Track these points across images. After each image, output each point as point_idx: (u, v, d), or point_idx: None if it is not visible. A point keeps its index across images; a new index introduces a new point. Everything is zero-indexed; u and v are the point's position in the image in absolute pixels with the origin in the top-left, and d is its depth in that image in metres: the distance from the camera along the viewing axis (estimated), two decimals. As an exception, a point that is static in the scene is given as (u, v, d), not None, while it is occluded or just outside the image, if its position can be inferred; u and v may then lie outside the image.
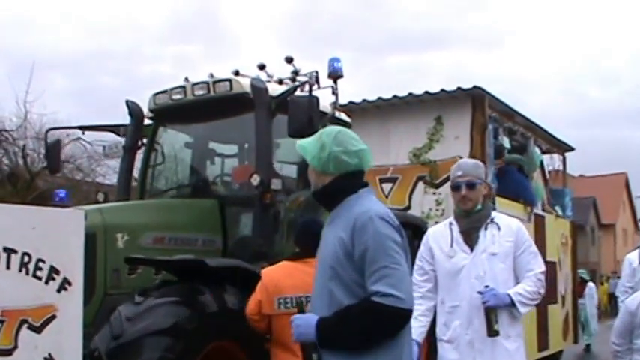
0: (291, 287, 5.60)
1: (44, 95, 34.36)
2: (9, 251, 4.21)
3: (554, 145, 15.23)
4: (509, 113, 12.62)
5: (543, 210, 13.69)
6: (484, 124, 11.46)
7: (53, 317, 4.33)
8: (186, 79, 8.14)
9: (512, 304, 5.53)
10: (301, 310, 4.11)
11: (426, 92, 11.75)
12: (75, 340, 4.45)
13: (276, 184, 7.35)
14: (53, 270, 4.34)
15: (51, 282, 4.34)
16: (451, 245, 5.78)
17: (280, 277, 5.73)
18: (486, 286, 5.53)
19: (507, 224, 5.80)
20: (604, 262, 59.86)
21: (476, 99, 11.59)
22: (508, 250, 5.69)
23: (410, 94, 11.86)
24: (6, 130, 28.51)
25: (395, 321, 3.82)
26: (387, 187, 11.84)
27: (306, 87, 7.59)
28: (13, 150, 28.88)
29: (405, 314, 3.82)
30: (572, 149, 15.92)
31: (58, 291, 4.37)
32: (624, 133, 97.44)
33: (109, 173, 27.91)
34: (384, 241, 3.82)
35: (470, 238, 5.76)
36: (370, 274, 3.77)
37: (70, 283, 4.41)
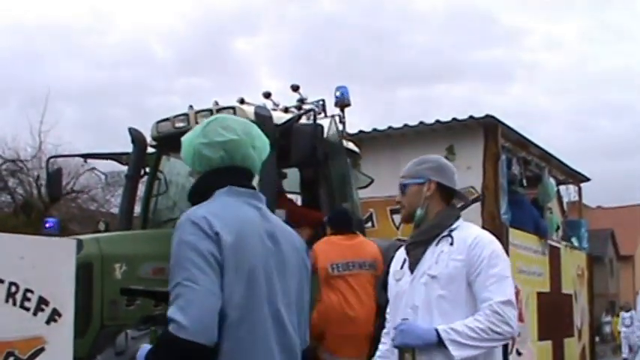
0: (338, 256, 7.38)
1: (58, 126, 34.69)
2: (-5, 281, 4.09)
3: (569, 176, 15.04)
4: (523, 143, 12.44)
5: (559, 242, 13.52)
6: (497, 154, 11.29)
7: (42, 350, 4.18)
8: (191, 107, 8.07)
9: (441, 343, 4.09)
10: None
11: (437, 121, 11.62)
12: (64, 373, 4.31)
13: (279, 214, 7.22)
14: (42, 301, 4.20)
15: (39, 313, 4.20)
16: (401, 266, 4.55)
17: (328, 248, 7.37)
18: (405, 319, 4.31)
19: (463, 237, 4.32)
20: (623, 293, 59.41)
21: (488, 128, 11.42)
22: (454, 273, 4.24)
23: (421, 122, 11.74)
24: (20, 160, 28.71)
25: (172, 355, 2.98)
26: (397, 218, 11.68)
27: (311, 115, 7.53)
28: (27, 180, 29.07)
29: (188, 347, 2.91)
30: (587, 179, 15.72)
31: (47, 322, 4.23)
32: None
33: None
34: (183, 252, 3.04)
35: (414, 255, 4.46)
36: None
37: (59, 315, 4.27)
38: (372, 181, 9.13)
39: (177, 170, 8.69)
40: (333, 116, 7.87)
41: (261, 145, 3.47)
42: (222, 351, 3.03)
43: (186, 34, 52.41)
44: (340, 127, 7.89)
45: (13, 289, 4.14)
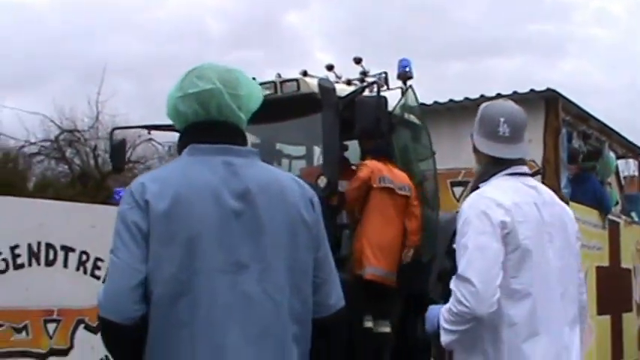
0: (386, 171, 7.49)
1: (113, 99, 35.02)
2: (67, 250, 4.17)
3: (629, 150, 14.85)
4: (583, 116, 12.30)
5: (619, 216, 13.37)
6: (558, 128, 11.16)
7: (112, 318, 4.26)
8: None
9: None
10: None
11: (499, 94, 11.50)
12: (134, 341, 4.37)
13: (343, 185, 7.24)
14: (113, 269, 4.27)
15: (110, 282, 4.27)
16: None
17: (378, 165, 7.47)
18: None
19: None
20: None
21: (549, 101, 11.30)
22: None
23: (482, 95, 11.63)
24: (77, 131, 28.97)
25: (102, 332, 2.76)
26: (458, 190, 11.62)
27: (375, 88, 7.50)
28: (85, 150, 29.35)
29: (105, 325, 2.70)
30: (647, 153, 15.53)
31: (117, 291, 4.30)
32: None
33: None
34: (116, 223, 2.76)
35: None
36: None
37: (129, 283, 4.33)
38: (434, 153, 9.11)
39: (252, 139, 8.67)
40: (410, 87, 7.84)
41: (245, 94, 3.01)
42: (152, 329, 2.71)
43: (238, 7, 52.09)
44: (410, 99, 7.85)
45: (84, 257, 4.22)
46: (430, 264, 7.56)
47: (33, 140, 29.05)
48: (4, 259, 3.93)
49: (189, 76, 2.97)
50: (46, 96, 49.78)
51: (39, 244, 4.05)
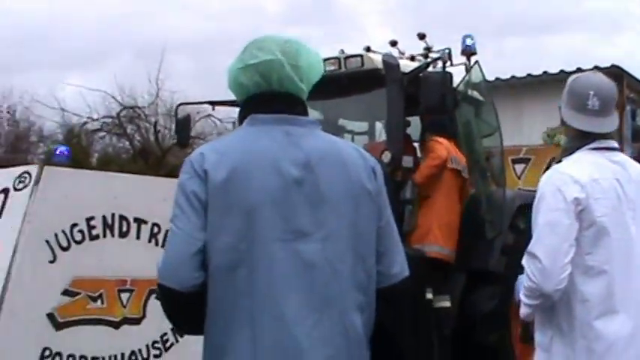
0: (454, 152, 7.52)
1: (172, 76, 35.47)
2: (139, 222, 4.24)
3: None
4: (648, 94, 12.18)
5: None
6: (622, 105, 11.05)
7: (182, 290, 4.33)
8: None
9: None
10: None
11: (562, 71, 11.43)
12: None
13: (407, 161, 7.23)
14: (183, 242, 4.34)
15: (180, 253, 4.35)
16: None
17: (448, 145, 7.45)
18: None
19: None
20: None
21: (614, 78, 11.18)
22: None
23: (544, 72, 11.58)
24: (138, 107, 29.26)
25: (162, 300, 2.78)
26: (519, 167, 11.56)
27: (439, 64, 7.48)
28: (145, 126, 29.65)
29: (163, 292, 2.73)
30: None
31: (187, 262, 4.37)
32: None
33: (238, 150, 28.28)
34: (175, 192, 2.83)
35: None
36: None
37: (200, 255, 4.40)
38: (496, 130, 9.06)
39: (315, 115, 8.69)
40: (476, 62, 7.79)
41: (305, 65, 2.97)
42: (211, 297, 2.72)
43: (294, -17, 52.04)
44: (476, 75, 7.80)
45: (156, 229, 4.28)
46: (494, 240, 7.53)
47: (95, 117, 29.48)
48: (80, 231, 4.02)
49: (249, 48, 2.96)
50: (108, 73, 50.29)
51: (113, 215, 4.13)
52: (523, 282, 3.67)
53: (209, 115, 25.14)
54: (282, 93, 2.92)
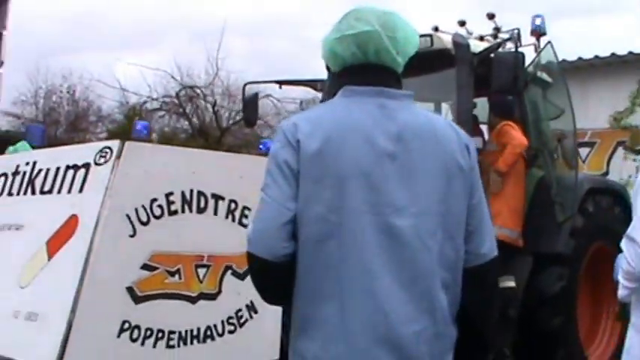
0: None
1: (230, 57, 35.83)
2: (217, 198, 4.25)
3: None
4: None
5: None
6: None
7: (257, 266, 4.33)
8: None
9: None
10: None
11: (630, 53, 11.25)
12: (277, 289, 4.45)
13: (476, 142, 7.17)
14: (259, 219, 4.34)
15: (256, 230, 4.35)
16: None
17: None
18: None
19: None
20: None
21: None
22: None
23: (612, 54, 11.39)
24: (197, 87, 29.39)
25: (251, 269, 2.81)
26: (584, 151, 11.42)
27: (508, 44, 7.42)
28: (205, 106, 29.80)
29: (253, 261, 2.74)
30: None
31: (262, 239, 4.37)
32: None
33: (296, 130, 28.34)
34: (267, 161, 2.80)
35: None
36: None
37: (274, 233, 4.40)
38: (563, 112, 8.94)
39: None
40: (549, 43, 7.70)
41: (402, 37, 2.91)
42: (300, 267, 2.73)
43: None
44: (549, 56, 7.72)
45: (233, 206, 4.29)
46: (564, 223, 7.46)
47: (155, 96, 29.70)
48: (159, 206, 4.04)
49: (347, 18, 2.91)
50: (162, 54, 50.73)
51: (191, 191, 4.15)
52: (621, 264, 3.64)
53: (268, 96, 25.13)
54: (378, 65, 2.89)
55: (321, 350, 2.69)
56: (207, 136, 28.61)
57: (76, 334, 3.72)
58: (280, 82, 8.93)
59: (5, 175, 4.86)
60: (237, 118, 27.72)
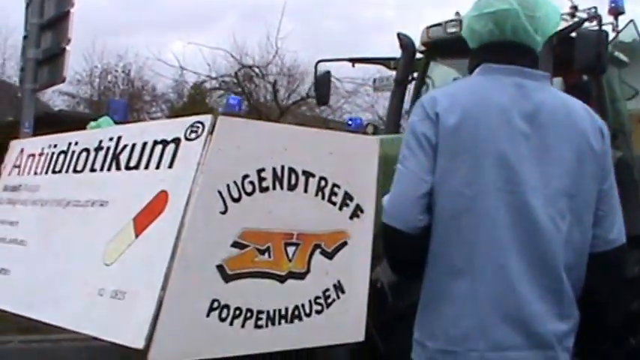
0: None
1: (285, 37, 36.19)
2: (307, 175, 4.17)
3: None
4: None
5: None
6: None
7: (344, 244, 4.26)
8: (457, 14, 7.93)
9: None
10: None
11: None
12: (363, 269, 4.37)
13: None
14: (347, 196, 4.26)
15: (344, 208, 4.27)
16: None
17: None
18: None
19: None
20: None
21: None
22: None
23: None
24: (257, 66, 29.43)
25: (384, 239, 2.90)
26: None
27: (589, 22, 7.27)
28: (264, 85, 29.84)
29: (388, 231, 2.82)
30: None
31: (351, 218, 4.30)
32: None
33: (355, 110, 28.33)
34: (406, 133, 2.90)
35: None
36: None
37: (362, 211, 4.32)
38: (637, 92, 8.76)
39: (445, 76, 8.60)
40: (631, 21, 7.57)
41: (542, 15, 2.92)
42: (434, 241, 2.77)
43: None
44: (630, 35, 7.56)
45: (322, 183, 4.22)
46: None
47: (214, 75, 29.78)
48: (251, 182, 3.97)
49: None
50: (219, 34, 51.06)
51: (282, 168, 4.08)
52: None
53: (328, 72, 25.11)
54: (516, 43, 2.92)
55: (452, 326, 2.71)
56: (267, 117, 28.67)
57: (166, 312, 3.66)
58: (353, 60, 8.88)
59: (87, 150, 4.82)
60: (298, 97, 27.79)
